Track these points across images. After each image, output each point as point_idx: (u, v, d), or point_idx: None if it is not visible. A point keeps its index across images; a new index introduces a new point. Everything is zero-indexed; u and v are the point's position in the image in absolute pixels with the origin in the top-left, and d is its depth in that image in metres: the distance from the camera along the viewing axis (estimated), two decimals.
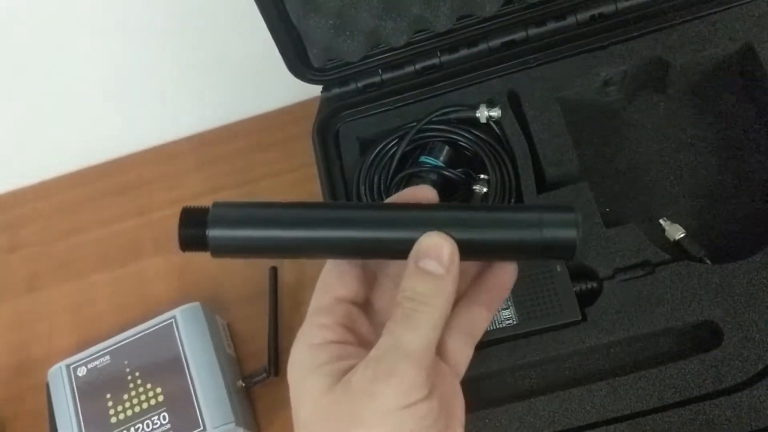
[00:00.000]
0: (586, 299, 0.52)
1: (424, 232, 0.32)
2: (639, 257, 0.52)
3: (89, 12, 0.62)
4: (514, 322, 0.51)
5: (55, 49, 0.65)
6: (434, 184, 0.58)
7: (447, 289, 0.32)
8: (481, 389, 0.52)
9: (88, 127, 0.76)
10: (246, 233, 0.32)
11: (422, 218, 0.33)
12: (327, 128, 0.61)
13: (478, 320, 0.35)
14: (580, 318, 0.51)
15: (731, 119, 0.58)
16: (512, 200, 0.56)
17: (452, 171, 0.58)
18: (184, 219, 0.32)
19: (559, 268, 0.52)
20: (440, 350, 0.34)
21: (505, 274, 0.35)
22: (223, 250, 0.32)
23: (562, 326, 0.51)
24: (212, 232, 0.32)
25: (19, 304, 0.74)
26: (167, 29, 0.65)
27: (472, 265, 0.36)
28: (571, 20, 0.59)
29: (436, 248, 0.31)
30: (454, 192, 0.59)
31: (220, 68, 0.71)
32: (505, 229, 0.32)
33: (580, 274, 0.52)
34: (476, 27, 0.58)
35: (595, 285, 0.52)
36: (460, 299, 0.35)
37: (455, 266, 0.32)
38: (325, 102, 0.61)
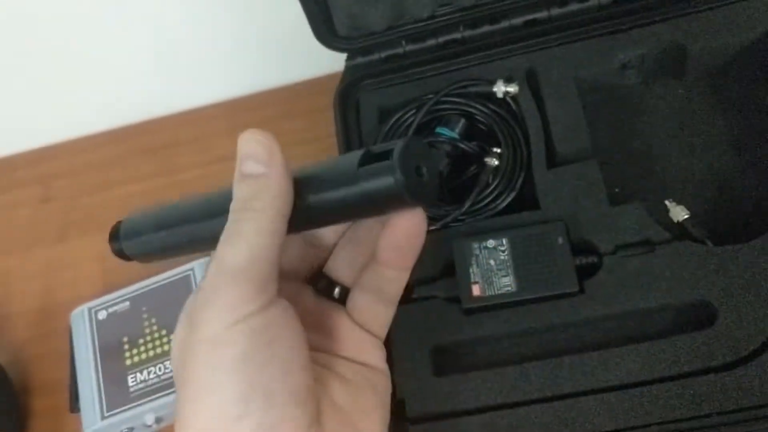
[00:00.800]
0: (585, 272, 0.53)
1: None
2: (641, 236, 0.53)
3: None
4: (512, 290, 0.53)
5: (99, 7, 0.68)
6: (448, 155, 0.59)
7: (271, 188, 0.29)
8: (477, 352, 0.54)
9: (123, 88, 0.79)
10: (149, 239, 0.35)
11: None
12: (348, 96, 0.63)
13: (386, 279, 0.34)
14: (577, 289, 0.52)
15: (747, 107, 0.58)
16: (522, 174, 0.57)
17: (467, 143, 0.59)
18: (110, 235, 0.37)
19: (560, 240, 0.53)
20: (349, 306, 0.35)
21: (400, 232, 0.32)
22: (141, 257, 0.37)
23: (560, 296, 0.52)
24: (125, 244, 0.36)
25: (49, 252, 0.78)
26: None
27: (375, 224, 0.34)
28: (593, 2, 0.60)
29: (253, 146, 0.29)
30: (467, 164, 0.60)
31: (253, 37, 0.74)
32: (328, 189, 0.30)
33: (581, 248, 0.54)
34: (500, 4, 0.59)
35: (595, 260, 0.53)
36: (368, 261, 0.35)
37: (276, 162, 0.29)
38: (348, 70, 0.63)
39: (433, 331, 0.54)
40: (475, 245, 0.54)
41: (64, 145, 0.83)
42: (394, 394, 0.51)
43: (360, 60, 0.63)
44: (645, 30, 0.59)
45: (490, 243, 0.54)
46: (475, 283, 0.53)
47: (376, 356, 0.35)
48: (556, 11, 0.60)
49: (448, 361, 0.53)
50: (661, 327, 0.52)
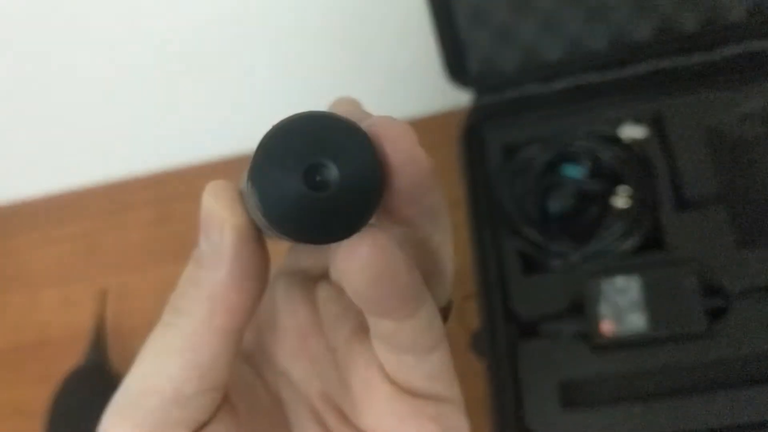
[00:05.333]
0: (713, 314, 0.54)
1: None
2: None
3: (266, 12, 0.69)
4: (641, 328, 0.54)
5: (242, 42, 0.72)
6: (573, 195, 0.61)
7: (203, 282, 0.21)
8: (604, 388, 0.55)
9: (238, 115, 0.83)
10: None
11: None
12: (474, 133, 0.65)
13: (386, 327, 0.20)
14: (705, 330, 0.53)
15: None
16: (649, 216, 0.58)
17: (592, 184, 0.61)
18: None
19: (690, 281, 0.54)
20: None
21: (348, 276, 0.19)
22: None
23: (688, 336, 0.53)
24: None
25: (164, 272, 0.81)
26: (338, 33, 0.71)
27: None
28: (720, 53, 0.61)
29: (204, 210, 0.21)
30: (590, 204, 0.62)
31: (378, 73, 0.77)
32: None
33: (709, 290, 0.55)
34: (628, 50, 0.61)
35: (723, 302, 0.54)
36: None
37: (226, 241, 0.20)
38: (475, 108, 0.65)
39: (560, 366, 0.55)
40: (605, 283, 0.55)
41: (184, 170, 0.87)
42: (521, 424, 0.53)
43: (487, 98, 0.65)
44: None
45: (620, 281, 0.55)
46: (605, 320, 0.54)
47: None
48: (683, 60, 0.62)
49: (576, 395, 0.55)
50: None
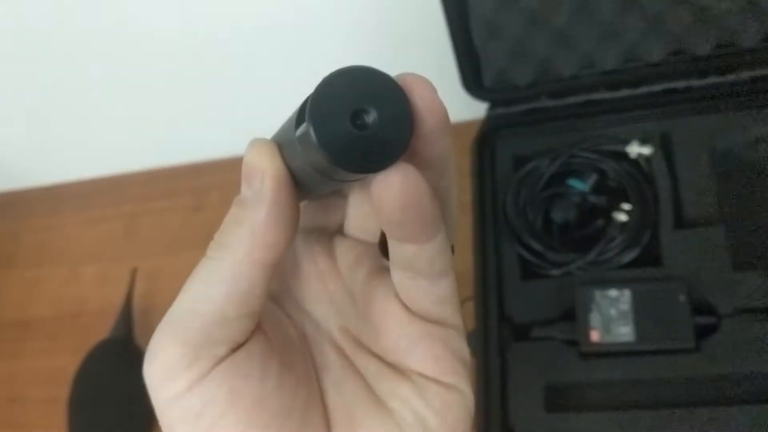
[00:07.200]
0: (702, 331, 0.55)
1: None
2: (762, 303, 0.55)
3: (294, 24, 0.74)
4: (630, 339, 0.55)
5: (276, 51, 0.77)
6: (577, 207, 0.63)
7: (247, 222, 0.24)
8: (589, 395, 0.57)
9: (278, 112, 0.87)
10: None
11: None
12: (485, 142, 0.67)
13: (407, 253, 0.24)
14: (693, 346, 0.54)
15: None
16: (649, 232, 0.60)
17: (596, 197, 0.63)
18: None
19: (682, 298, 0.55)
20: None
21: (383, 203, 0.22)
22: None
23: (676, 351, 0.55)
24: None
25: (195, 257, 0.85)
26: (366, 38, 0.75)
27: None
28: (732, 78, 0.62)
29: (247, 162, 0.24)
30: (593, 216, 0.63)
31: None
32: (289, 161, 0.24)
33: (701, 307, 0.56)
34: (641, 70, 0.63)
35: (714, 320, 0.55)
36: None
37: (267, 187, 0.23)
38: (488, 119, 0.68)
39: (547, 370, 0.57)
40: (598, 293, 0.57)
41: (221, 162, 0.91)
42: (505, 423, 0.55)
43: (500, 110, 0.67)
44: None
45: (613, 293, 0.57)
46: (594, 329, 0.56)
47: (444, 364, 0.26)
48: (695, 82, 0.63)
49: (560, 400, 0.57)
50: None
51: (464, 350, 0.26)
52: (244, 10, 0.73)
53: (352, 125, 0.21)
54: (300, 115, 0.22)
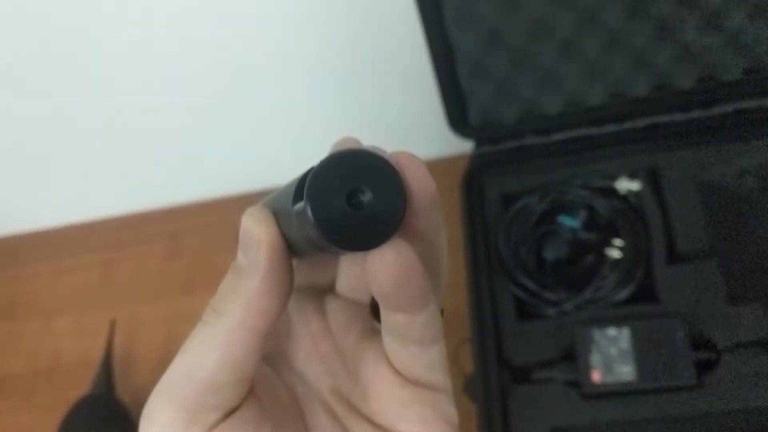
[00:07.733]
0: (703, 367, 0.55)
1: None
2: (760, 336, 0.55)
3: (282, 66, 0.73)
4: (632, 378, 0.55)
5: (257, 90, 0.75)
6: (569, 244, 0.63)
7: (242, 289, 0.24)
8: None
9: (253, 155, 0.85)
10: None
11: None
12: (473, 180, 0.67)
13: (398, 322, 0.24)
14: (695, 383, 0.54)
15: None
16: (642, 268, 0.60)
17: (587, 233, 0.63)
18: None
19: (680, 334, 0.55)
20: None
21: (377, 275, 0.23)
22: None
23: (677, 389, 0.54)
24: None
25: (175, 304, 0.83)
26: (350, 84, 0.74)
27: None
28: (715, 111, 0.63)
29: (242, 229, 0.25)
30: (585, 253, 0.63)
31: (381, 120, 0.79)
32: (283, 227, 0.24)
33: (700, 343, 0.56)
34: (626, 106, 0.63)
35: (713, 356, 0.55)
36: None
37: (262, 254, 0.24)
38: (475, 157, 0.67)
39: (551, 414, 0.57)
40: (597, 333, 0.57)
41: (195, 205, 0.89)
42: None
43: (487, 148, 0.67)
44: (765, 140, 0.62)
45: (611, 332, 0.57)
46: (596, 369, 0.56)
47: (434, 429, 0.26)
48: (679, 116, 0.63)
49: None
50: None
51: (453, 414, 0.27)
52: (216, 55, 0.72)
53: (348, 204, 0.22)
54: (298, 191, 0.22)
